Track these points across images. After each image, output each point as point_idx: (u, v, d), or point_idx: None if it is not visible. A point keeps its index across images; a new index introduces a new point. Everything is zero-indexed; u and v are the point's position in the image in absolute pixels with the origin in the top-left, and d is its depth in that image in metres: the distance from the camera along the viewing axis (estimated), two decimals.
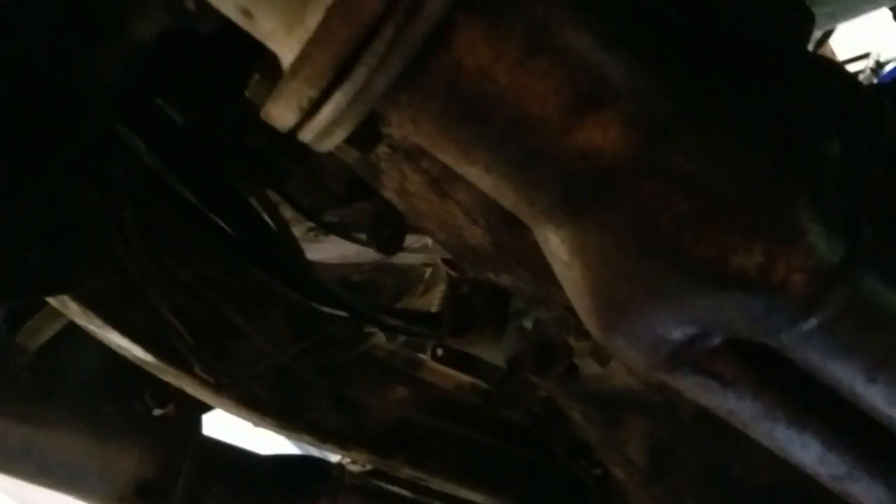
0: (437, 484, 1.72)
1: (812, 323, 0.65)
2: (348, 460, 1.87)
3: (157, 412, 1.43)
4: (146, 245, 1.37)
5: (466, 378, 1.80)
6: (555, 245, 0.70)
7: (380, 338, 1.70)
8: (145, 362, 1.44)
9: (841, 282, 0.64)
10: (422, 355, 1.87)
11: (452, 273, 1.77)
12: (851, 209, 0.65)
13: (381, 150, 1.11)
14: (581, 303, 0.72)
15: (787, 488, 1.18)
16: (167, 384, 1.43)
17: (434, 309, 1.98)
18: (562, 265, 0.71)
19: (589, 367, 1.27)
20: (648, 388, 1.22)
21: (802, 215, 0.63)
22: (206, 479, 1.47)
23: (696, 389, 0.73)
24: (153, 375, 1.46)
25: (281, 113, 0.65)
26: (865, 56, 4.96)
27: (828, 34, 2.39)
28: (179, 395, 1.42)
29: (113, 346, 1.44)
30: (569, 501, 1.73)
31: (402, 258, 1.89)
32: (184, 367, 1.43)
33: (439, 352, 1.88)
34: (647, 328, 0.68)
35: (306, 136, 0.66)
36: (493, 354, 1.86)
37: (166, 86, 1.41)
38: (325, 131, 0.65)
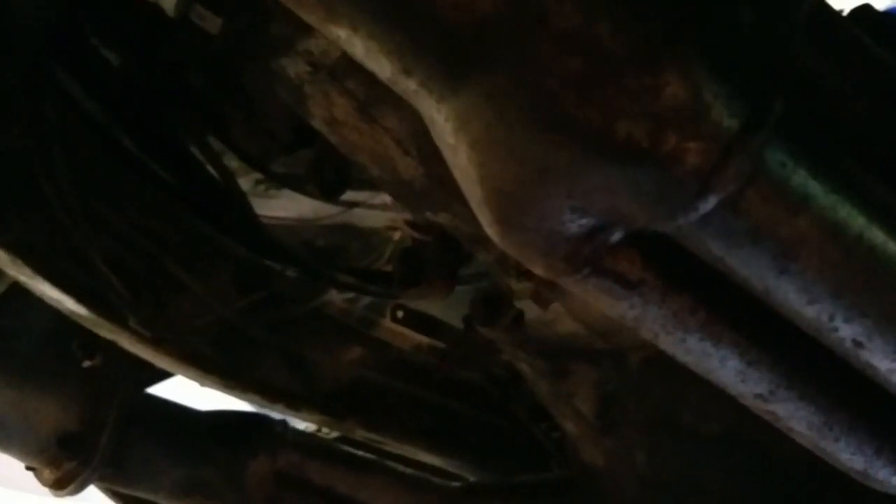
0: (392, 446, 1.66)
1: (711, 201, 0.58)
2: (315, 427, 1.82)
3: (85, 364, 1.37)
4: (78, 191, 1.31)
5: (424, 338, 1.74)
6: (440, 126, 0.63)
7: (333, 295, 1.63)
8: (79, 315, 1.38)
9: (742, 151, 0.56)
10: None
11: (416, 235, 1.71)
12: (758, 78, 0.58)
13: (303, 69, 1.04)
14: (472, 194, 0.65)
15: (738, 436, 1.11)
16: (96, 335, 1.37)
17: None
18: (449, 150, 0.64)
19: (533, 312, 1.20)
20: (593, 333, 1.15)
21: (699, 78, 0.56)
22: (134, 432, 1.40)
23: (599, 294, 0.66)
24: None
25: None
26: None
27: None
28: (108, 346, 1.36)
29: (46, 299, 1.38)
30: (528, 464, 1.66)
31: (362, 218, 1.83)
32: (119, 320, 1.36)
33: (399, 313, 1.81)
34: (541, 219, 0.62)
35: None
36: (457, 319, 1.79)
37: (100, 25, 1.36)
38: None
